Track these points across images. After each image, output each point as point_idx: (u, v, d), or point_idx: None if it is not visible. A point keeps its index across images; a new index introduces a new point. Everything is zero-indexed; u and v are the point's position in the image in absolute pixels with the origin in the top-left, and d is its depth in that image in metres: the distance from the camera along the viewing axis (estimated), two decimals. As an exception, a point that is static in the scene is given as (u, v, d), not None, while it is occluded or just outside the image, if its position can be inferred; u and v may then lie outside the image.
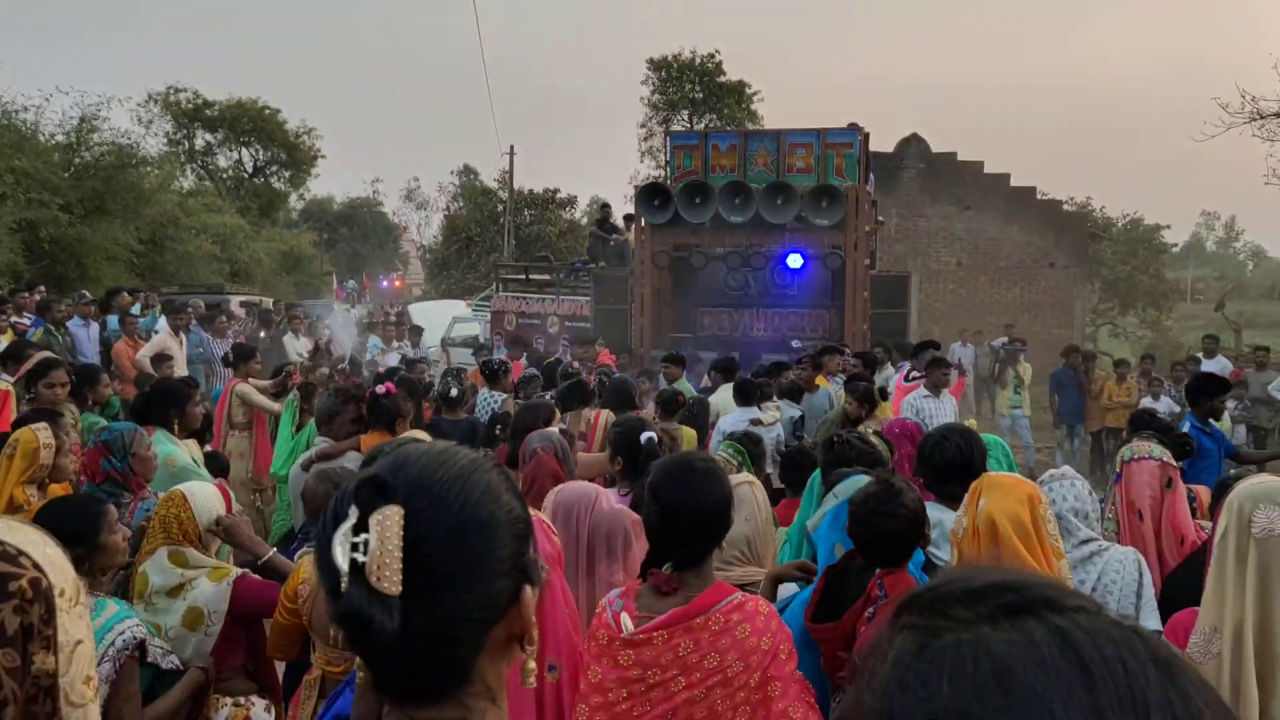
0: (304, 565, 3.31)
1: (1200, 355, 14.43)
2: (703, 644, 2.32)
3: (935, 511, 3.11)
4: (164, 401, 5.53)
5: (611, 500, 3.17)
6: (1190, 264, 60.77)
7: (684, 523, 2.40)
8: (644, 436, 4.38)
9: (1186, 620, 2.61)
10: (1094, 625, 0.64)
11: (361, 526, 0.99)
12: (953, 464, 3.34)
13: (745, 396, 7.92)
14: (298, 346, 14.40)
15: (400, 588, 0.97)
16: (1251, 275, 65.53)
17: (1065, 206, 24.43)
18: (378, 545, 0.97)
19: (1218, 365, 13.82)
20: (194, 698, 3.09)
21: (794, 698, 2.39)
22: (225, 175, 36.52)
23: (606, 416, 6.72)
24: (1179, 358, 20.22)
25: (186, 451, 5.43)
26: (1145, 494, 3.44)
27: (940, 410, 9.13)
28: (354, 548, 0.98)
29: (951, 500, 3.16)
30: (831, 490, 3.45)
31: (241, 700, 3.45)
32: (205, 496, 3.61)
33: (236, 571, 3.51)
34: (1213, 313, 26.89)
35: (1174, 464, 3.58)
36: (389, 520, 0.99)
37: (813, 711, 2.38)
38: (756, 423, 7.69)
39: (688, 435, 7.75)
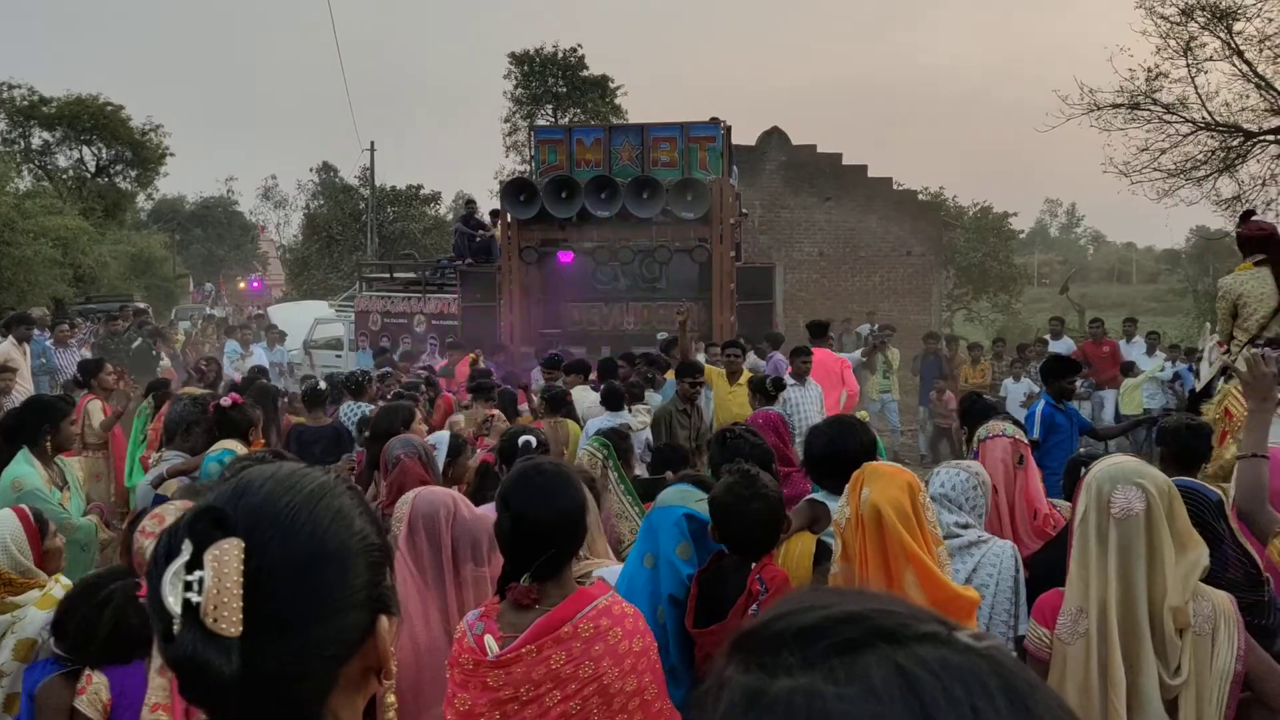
0: None
1: (1048, 337, 15.13)
2: (575, 654, 2.25)
3: (831, 503, 3.14)
4: (38, 418, 5.28)
5: (471, 506, 3.09)
6: (1036, 249, 63.83)
7: (536, 531, 2.30)
8: (520, 440, 4.31)
9: (1054, 601, 2.67)
10: (940, 659, 0.59)
11: (195, 563, 0.90)
12: (849, 455, 3.39)
13: (614, 402, 7.82)
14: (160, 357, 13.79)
15: (240, 628, 0.89)
16: (1092, 259, 69.31)
17: (920, 196, 25.30)
18: (214, 583, 0.89)
19: (1064, 346, 14.55)
20: None
21: (666, 695, 2.38)
22: (66, 175, 34.53)
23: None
24: (1028, 340, 21.23)
25: (58, 471, 5.22)
26: (999, 470, 3.56)
27: (806, 398, 9.33)
28: (187, 586, 0.89)
29: (837, 490, 3.20)
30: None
31: None
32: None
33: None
34: (1058, 295, 28.29)
35: (1024, 440, 3.72)
36: (227, 555, 0.91)
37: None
38: (627, 428, 7.66)
39: (573, 430, 7.69)
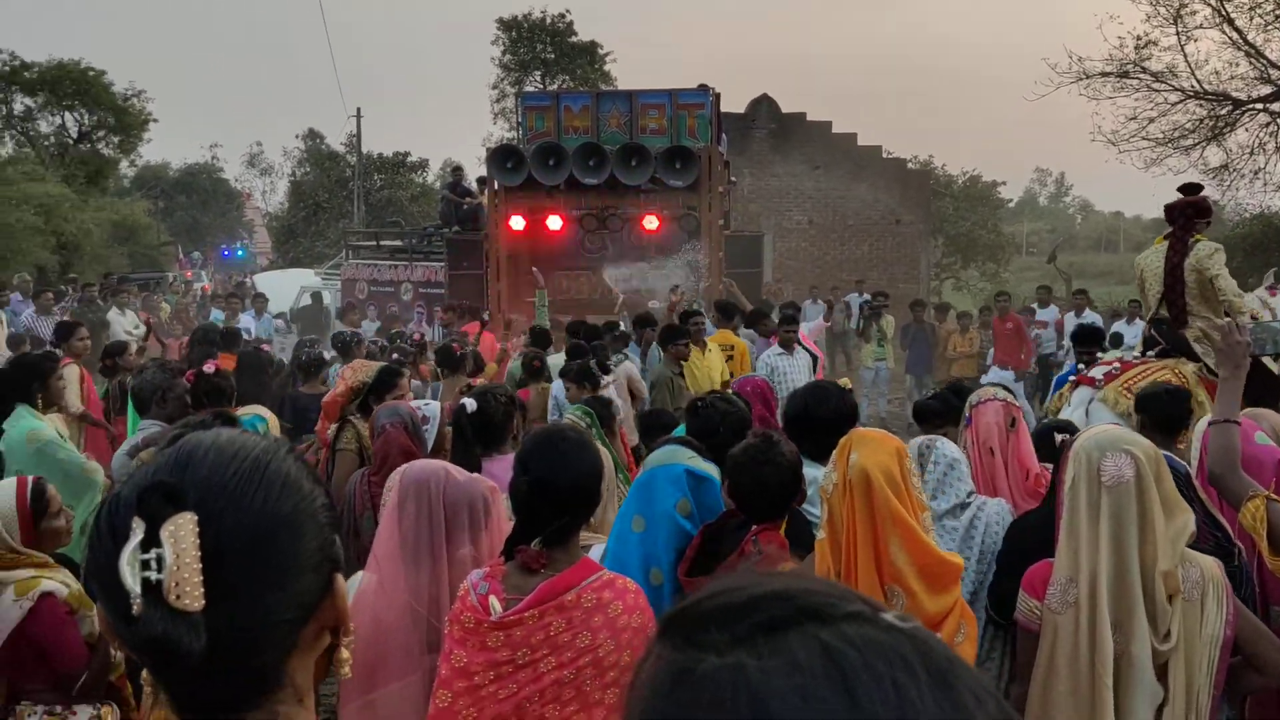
0: None
1: (1035, 305, 15.15)
2: (575, 622, 2.26)
3: (808, 469, 3.14)
4: (26, 376, 5.38)
5: (463, 472, 3.06)
6: (1024, 218, 63.80)
7: (554, 495, 2.32)
8: (463, 401, 4.24)
9: (1043, 571, 2.67)
10: (864, 636, 0.60)
11: (151, 540, 0.88)
12: (824, 420, 3.42)
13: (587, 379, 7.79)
14: (125, 323, 13.64)
15: (202, 603, 0.88)
16: (1080, 228, 69.32)
17: (910, 165, 25.24)
18: (174, 559, 0.87)
19: (1050, 314, 14.59)
20: None
21: None
22: (48, 142, 34.13)
23: None
24: (1014, 307, 21.26)
25: (51, 425, 5.24)
26: (994, 433, 3.62)
27: (794, 367, 9.34)
28: (144, 565, 0.87)
29: (823, 456, 3.21)
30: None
31: (58, 709, 3.18)
32: None
33: (45, 588, 3.19)
34: (1045, 264, 28.32)
35: (1016, 404, 3.78)
36: (182, 530, 0.89)
37: None
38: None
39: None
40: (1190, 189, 6.43)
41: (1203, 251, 6.10)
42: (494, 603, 2.31)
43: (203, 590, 0.89)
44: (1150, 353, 6.37)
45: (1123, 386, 5.64)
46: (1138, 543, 2.48)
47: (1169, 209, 6.36)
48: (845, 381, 3.85)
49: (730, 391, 4.47)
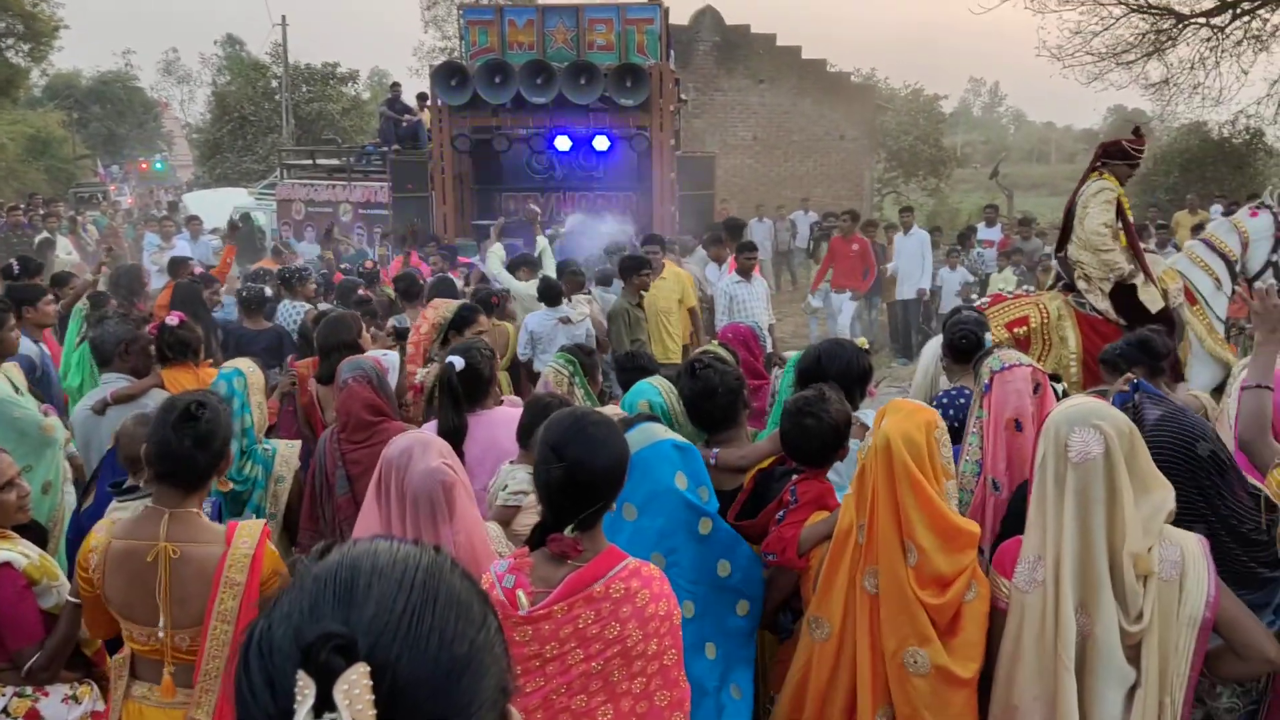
0: (94, 530, 2.89)
1: (981, 225, 15.20)
2: (604, 614, 2.21)
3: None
4: None
5: (428, 459, 2.83)
6: (960, 129, 64.02)
7: (591, 482, 2.26)
8: (448, 361, 4.08)
9: (1013, 549, 2.64)
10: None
11: (324, 704, 0.77)
12: (834, 376, 3.38)
13: (551, 297, 7.65)
14: (58, 248, 13.08)
15: None
16: (1013, 138, 69.83)
17: (853, 79, 25.00)
18: None
19: (995, 234, 14.62)
20: None
21: (682, 665, 2.33)
22: (-46, 52, 32.26)
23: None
24: (956, 224, 21.39)
25: (5, 380, 4.86)
26: (1025, 403, 3.38)
27: (752, 295, 9.26)
28: None
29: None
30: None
31: (29, 690, 3.04)
32: None
33: (1, 558, 3.01)
34: (987, 180, 28.47)
35: (1042, 369, 3.56)
36: (357, 688, 0.78)
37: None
38: (565, 321, 7.52)
39: (510, 332, 7.52)
40: (1134, 131, 6.62)
41: (1091, 189, 6.34)
42: (521, 596, 2.26)
43: None
44: (1059, 285, 6.61)
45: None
46: (1105, 522, 2.41)
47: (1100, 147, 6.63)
48: (863, 341, 3.78)
49: (714, 341, 4.37)
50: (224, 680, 2.74)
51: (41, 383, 5.56)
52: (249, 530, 2.84)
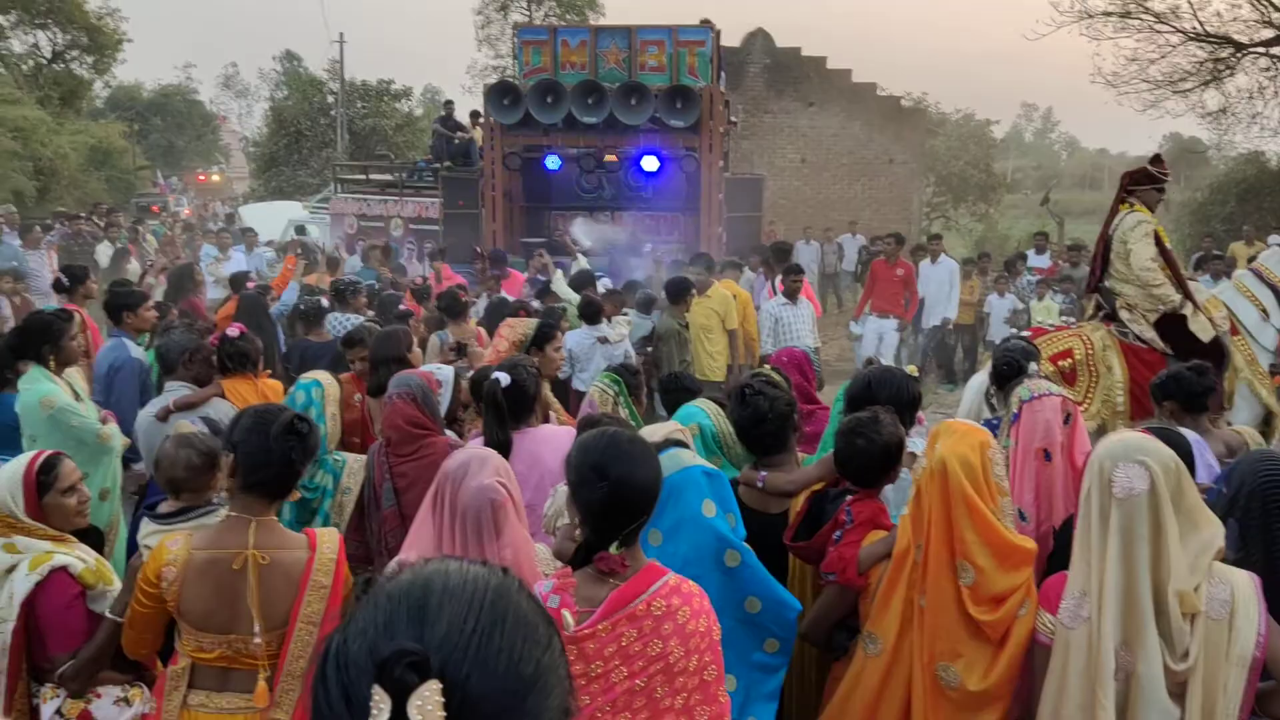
0: (165, 545, 2.94)
1: (1031, 252, 15.04)
2: (646, 632, 2.25)
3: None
4: (38, 336, 5.08)
5: (484, 475, 2.81)
6: (1011, 154, 63.47)
7: (634, 499, 2.32)
8: (493, 376, 4.11)
9: (1058, 584, 2.62)
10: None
11: (399, 716, 0.82)
12: (883, 402, 3.38)
13: (591, 315, 7.70)
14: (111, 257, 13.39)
15: None
16: (1065, 164, 69.09)
17: (903, 102, 24.91)
18: None
19: (1045, 261, 14.45)
20: None
21: (723, 680, 2.35)
22: (22, 63, 33.15)
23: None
24: (1006, 249, 21.16)
25: (67, 387, 5.02)
26: (1055, 434, 3.38)
27: (798, 317, 9.27)
28: None
29: None
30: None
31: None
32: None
33: (57, 563, 3.09)
34: (1038, 206, 28.19)
35: (1073, 399, 3.57)
36: (429, 704, 0.82)
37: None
38: (603, 340, 7.58)
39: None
40: (1154, 159, 6.53)
41: (1128, 222, 6.23)
42: (567, 616, 2.28)
43: None
44: (1100, 315, 6.55)
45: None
46: (1150, 558, 2.39)
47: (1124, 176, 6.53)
48: (912, 368, 3.79)
49: (767, 366, 4.39)
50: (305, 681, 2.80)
51: (145, 387, 5.67)
52: (329, 537, 2.93)
